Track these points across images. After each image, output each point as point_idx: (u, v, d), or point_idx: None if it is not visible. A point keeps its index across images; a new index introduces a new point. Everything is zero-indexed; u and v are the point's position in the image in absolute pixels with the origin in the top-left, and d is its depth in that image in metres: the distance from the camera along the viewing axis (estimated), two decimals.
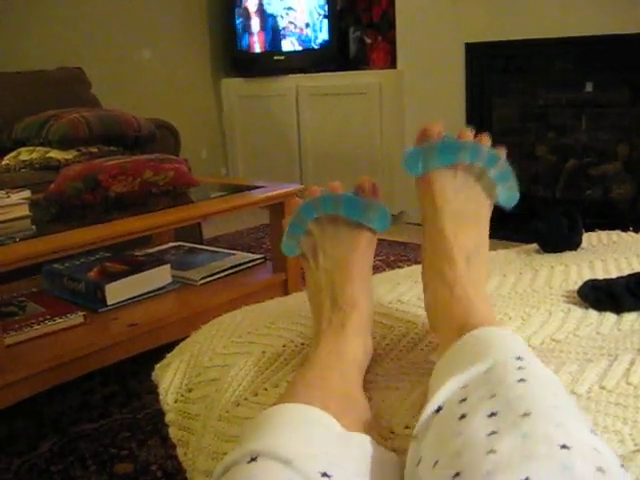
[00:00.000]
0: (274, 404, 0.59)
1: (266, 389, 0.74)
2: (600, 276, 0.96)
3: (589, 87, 3.00)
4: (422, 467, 0.49)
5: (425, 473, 0.48)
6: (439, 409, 0.53)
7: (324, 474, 0.48)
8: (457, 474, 0.43)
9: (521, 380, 0.51)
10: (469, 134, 0.78)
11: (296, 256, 0.81)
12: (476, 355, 0.57)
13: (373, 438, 0.57)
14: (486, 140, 0.78)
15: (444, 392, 0.54)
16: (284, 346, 0.81)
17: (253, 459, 0.49)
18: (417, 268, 1.10)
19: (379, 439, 0.60)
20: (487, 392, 0.51)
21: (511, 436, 0.45)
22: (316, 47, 3.80)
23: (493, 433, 0.46)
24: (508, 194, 0.78)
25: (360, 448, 0.55)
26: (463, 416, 0.49)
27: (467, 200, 0.76)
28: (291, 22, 3.84)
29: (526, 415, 0.46)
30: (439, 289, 0.71)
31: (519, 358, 0.55)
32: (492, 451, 0.44)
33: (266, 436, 0.52)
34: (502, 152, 0.78)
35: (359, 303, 0.73)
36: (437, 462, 0.47)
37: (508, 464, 0.42)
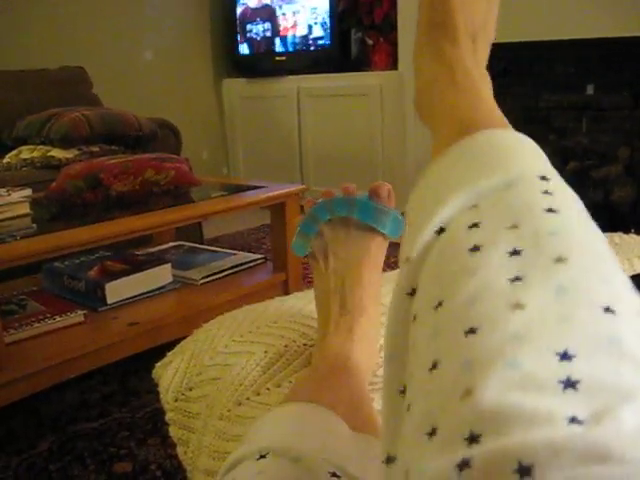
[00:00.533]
0: (280, 403, 0.58)
1: (268, 389, 0.74)
2: None
3: (590, 90, 2.99)
4: (419, 304, 0.38)
5: (424, 311, 0.37)
6: (441, 230, 0.40)
7: (333, 474, 0.47)
8: (471, 330, 0.33)
9: (551, 210, 0.38)
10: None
11: (305, 257, 0.81)
12: (488, 164, 0.43)
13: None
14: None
15: (448, 209, 0.40)
16: (286, 346, 0.81)
17: (262, 456, 0.48)
18: None
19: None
20: (507, 219, 0.38)
21: (542, 287, 0.33)
22: (318, 48, 3.80)
23: (517, 279, 0.34)
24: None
25: (369, 450, 0.54)
26: (476, 248, 0.37)
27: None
28: (293, 23, 3.84)
29: (561, 260, 0.35)
30: (436, 72, 0.55)
31: (544, 178, 0.41)
32: (519, 305, 0.33)
33: (275, 433, 0.52)
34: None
35: (368, 308, 0.72)
36: (441, 304, 0.36)
37: (541, 327, 0.32)
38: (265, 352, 0.80)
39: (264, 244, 3.31)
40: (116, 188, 1.83)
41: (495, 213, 0.39)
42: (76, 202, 1.82)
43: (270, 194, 2.02)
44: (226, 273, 2.05)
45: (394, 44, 3.49)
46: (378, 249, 0.77)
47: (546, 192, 0.40)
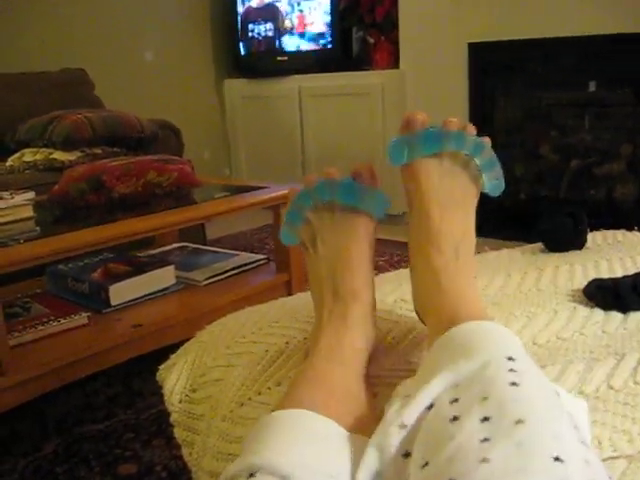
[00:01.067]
0: (276, 407, 0.58)
1: (269, 388, 0.74)
2: (605, 275, 0.96)
3: (592, 86, 2.99)
4: (411, 464, 0.48)
5: (414, 471, 0.47)
6: (431, 406, 0.52)
7: None
8: None
9: (513, 384, 0.50)
10: (454, 123, 0.77)
11: (296, 245, 0.80)
12: (467, 350, 0.55)
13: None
14: (471, 129, 0.77)
15: (435, 387, 0.53)
16: (287, 343, 0.81)
17: (252, 475, 0.48)
18: None
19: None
20: (479, 393, 0.50)
21: (505, 444, 0.43)
22: (319, 47, 3.80)
23: (486, 440, 0.44)
24: (494, 183, 0.77)
25: (358, 451, 0.54)
26: (455, 418, 0.48)
27: (453, 187, 0.75)
28: (294, 23, 3.84)
29: (520, 422, 0.45)
30: (427, 277, 0.70)
31: (511, 358, 0.53)
32: (485, 460, 0.42)
33: (265, 448, 0.52)
34: (487, 141, 0.77)
35: (360, 294, 0.72)
36: (427, 464, 0.46)
37: (501, 476, 0.41)
38: (266, 351, 0.80)
39: (267, 244, 3.31)
40: (119, 190, 1.84)
41: (470, 389, 0.50)
42: (79, 204, 1.82)
43: (272, 194, 2.02)
44: (229, 274, 2.05)
45: (395, 43, 3.48)
46: (366, 230, 0.76)
47: (511, 370, 0.51)
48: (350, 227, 0.75)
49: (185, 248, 2.32)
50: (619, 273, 0.98)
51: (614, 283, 0.88)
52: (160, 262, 2.00)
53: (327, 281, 0.74)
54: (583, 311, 0.85)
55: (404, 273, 1.07)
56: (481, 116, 3.19)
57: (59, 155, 2.51)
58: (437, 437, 0.48)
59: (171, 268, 1.96)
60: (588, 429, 0.56)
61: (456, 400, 0.50)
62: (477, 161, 0.76)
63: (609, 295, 0.86)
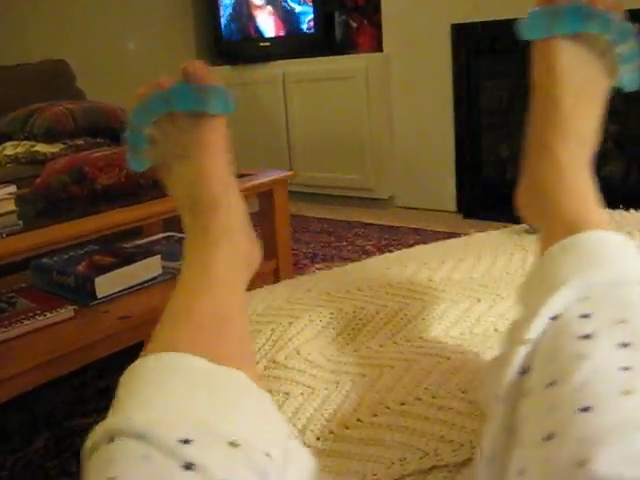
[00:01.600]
0: (141, 354, 0.53)
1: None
2: None
3: None
4: (532, 382, 0.45)
5: (537, 389, 0.44)
6: (554, 317, 0.47)
7: (185, 441, 0.43)
8: (586, 409, 0.39)
9: None
10: (603, 1, 0.66)
11: (150, 169, 0.72)
12: (596, 260, 0.50)
13: (245, 369, 0.52)
14: (619, 10, 0.67)
15: (561, 298, 0.47)
16: (272, 330, 0.80)
17: (111, 439, 0.45)
18: (406, 252, 1.09)
19: (251, 366, 0.56)
20: (616, 313, 0.45)
21: None
22: (302, 32, 3.78)
23: (627, 369, 0.40)
24: (632, 75, 0.70)
25: (230, 389, 0.50)
26: (587, 336, 0.44)
27: (589, 76, 0.67)
28: (276, 7, 3.81)
29: None
30: (546, 169, 0.62)
31: None
32: (628, 392, 0.39)
33: (122, 407, 0.48)
34: (634, 28, 0.67)
35: (221, 202, 0.66)
36: (555, 382, 0.42)
37: None
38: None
39: (254, 232, 3.29)
40: (101, 181, 1.82)
41: (605, 307, 0.46)
42: (62, 197, 1.80)
43: (258, 181, 2.01)
44: None
45: (378, 26, 3.47)
46: (215, 132, 0.70)
47: None
48: (197, 134, 0.69)
49: (171, 237, 2.30)
50: None
51: None
52: (146, 252, 1.99)
53: (186, 200, 0.67)
54: None
55: (390, 258, 1.06)
56: (466, 97, 3.18)
57: (41, 148, 2.48)
58: (566, 355, 0.44)
59: (157, 258, 1.94)
60: None
61: (587, 316, 0.46)
62: (619, 49, 0.67)
63: None
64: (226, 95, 0.71)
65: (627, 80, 0.70)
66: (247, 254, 0.66)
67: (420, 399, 0.60)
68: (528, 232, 1.13)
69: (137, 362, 0.52)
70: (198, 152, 0.68)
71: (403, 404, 0.61)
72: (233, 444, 0.44)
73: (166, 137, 0.69)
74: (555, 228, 0.57)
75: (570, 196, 0.59)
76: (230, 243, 0.64)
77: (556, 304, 0.47)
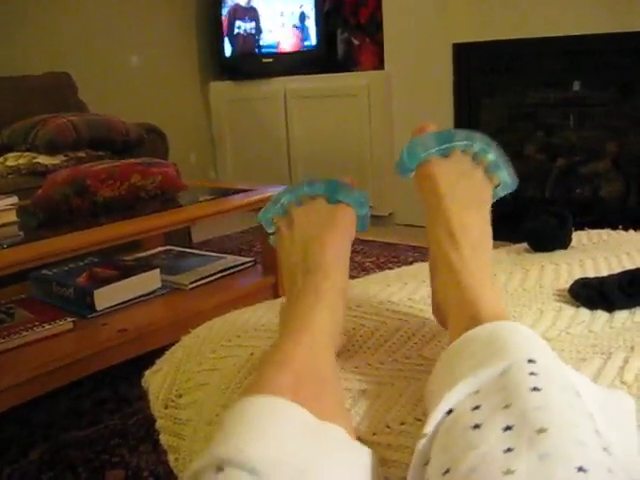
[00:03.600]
0: (244, 392, 0.56)
1: (257, 384, 0.73)
2: (591, 274, 0.96)
3: (577, 86, 3.00)
4: (431, 471, 0.48)
5: (434, 476, 0.47)
6: (450, 411, 0.52)
7: None
8: None
9: (535, 389, 0.49)
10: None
11: (271, 231, 0.83)
12: (488, 355, 0.55)
13: (344, 426, 0.56)
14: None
15: (455, 394, 0.53)
16: (279, 346, 0.80)
17: (220, 469, 0.47)
18: (406, 269, 1.10)
19: (349, 424, 0.59)
20: (501, 401, 0.49)
21: (528, 455, 0.43)
22: (304, 49, 3.80)
23: (509, 450, 0.44)
24: (507, 179, 0.78)
25: (332, 443, 0.53)
26: (477, 426, 0.48)
27: (469, 186, 0.75)
28: (278, 25, 3.83)
29: (542, 431, 0.45)
30: (446, 276, 0.70)
31: (531, 361, 0.53)
32: (509, 471, 0.43)
33: (232, 440, 0.50)
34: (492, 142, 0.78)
35: (331, 274, 0.71)
36: (448, 471, 0.46)
37: None
38: (251, 354, 0.80)
39: (253, 247, 3.30)
40: (103, 194, 1.82)
41: (492, 396, 0.50)
42: (63, 209, 1.81)
43: (258, 197, 2.02)
44: (215, 277, 2.04)
45: (380, 44, 3.49)
46: (344, 219, 0.78)
47: (532, 373, 0.51)
48: (328, 214, 0.78)
49: (171, 251, 2.31)
50: (604, 272, 0.98)
51: (600, 282, 0.88)
52: (145, 266, 1.99)
53: (301, 263, 0.74)
54: (569, 310, 0.85)
55: (390, 275, 1.07)
56: (466, 116, 3.20)
57: (42, 159, 2.49)
58: (458, 444, 0.48)
59: (156, 272, 1.94)
60: (634, 424, 0.55)
61: (477, 407, 0.50)
62: (489, 157, 0.77)
63: (595, 294, 0.86)
64: (365, 199, 0.81)
65: (504, 183, 0.79)
66: (339, 321, 0.71)
67: (420, 420, 0.61)
68: (528, 251, 1.13)
69: (245, 399, 0.55)
70: (323, 227, 0.76)
71: (403, 424, 0.61)
72: None
73: (301, 210, 0.80)
74: (456, 326, 0.64)
75: (465, 295, 0.65)
76: (332, 311, 0.69)
77: (451, 399, 0.52)
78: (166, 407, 0.82)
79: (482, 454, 0.45)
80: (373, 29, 3.57)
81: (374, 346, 0.77)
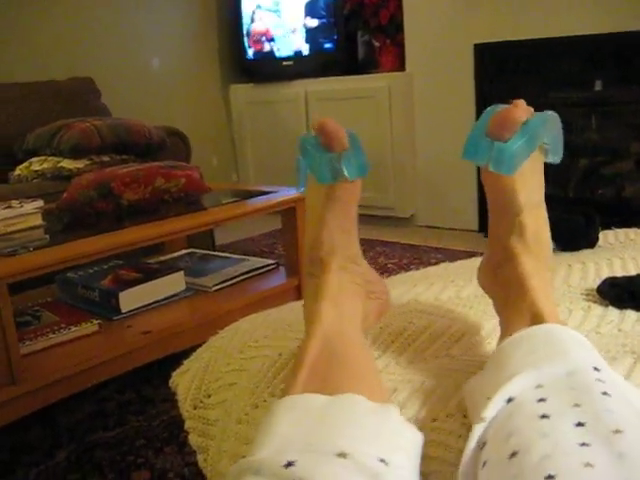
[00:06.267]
0: (286, 396, 0.57)
1: (283, 389, 0.74)
2: (619, 274, 0.95)
3: (598, 85, 2.98)
4: (491, 454, 0.49)
5: (496, 460, 0.48)
6: (509, 400, 0.52)
7: (288, 464, 0.47)
8: (550, 477, 0.43)
9: (605, 394, 0.50)
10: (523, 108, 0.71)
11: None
12: (552, 354, 0.56)
13: (366, 392, 0.57)
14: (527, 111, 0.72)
15: (516, 384, 0.53)
16: (299, 346, 0.81)
17: (290, 463, 0.48)
18: (432, 270, 1.09)
19: (375, 394, 0.59)
20: (571, 399, 0.50)
21: (606, 452, 0.44)
22: (324, 51, 3.80)
23: (585, 445, 0.45)
24: (558, 154, 0.75)
25: (344, 411, 0.54)
26: (545, 416, 0.49)
27: (539, 183, 0.74)
28: (299, 27, 3.84)
29: (618, 432, 0.46)
30: (512, 274, 0.69)
31: (596, 369, 0.54)
32: (589, 464, 0.43)
33: (297, 435, 0.51)
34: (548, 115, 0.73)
35: (330, 267, 0.71)
36: (515, 454, 0.46)
37: None
38: (280, 354, 0.80)
39: (276, 249, 3.31)
40: (127, 197, 1.84)
41: (560, 393, 0.51)
42: (88, 212, 1.82)
43: (280, 199, 2.02)
44: (239, 279, 2.05)
45: (401, 45, 3.48)
46: (347, 193, 0.76)
47: (599, 380, 0.52)
48: (330, 196, 0.75)
49: (194, 254, 2.32)
50: (633, 271, 0.97)
51: (628, 281, 0.88)
52: (170, 268, 2.00)
53: (307, 258, 0.75)
54: (598, 310, 0.84)
55: (416, 275, 1.06)
56: None
57: (67, 163, 2.51)
58: (526, 430, 0.48)
59: (181, 274, 1.95)
60: None
61: (543, 400, 0.51)
62: (546, 141, 0.73)
63: (624, 293, 0.85)
64: (360, 159, 0.76)
65: (555, 159, 0.75)
66: (356, 311, 0.70)
67: (451, 415, 0.61)
68: (555, 250, 1.13)
69: (290, 401, 0.56)
70: (330, 206, 0.74)
71: (435, 420, 0.61)
72: (341, 455, 0.48)
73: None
74: (515, 320, 0.64)
75: (531, 297, 0.65)
76: (336, 304, 0.68)
77: (512, 389, 0.53)
78: (195, 407, 0.83)
79: (554, 442, 0.46)
80: (393, 30, 3.57)
81: (402, 346, 0.77)
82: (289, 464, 0.46)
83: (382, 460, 0.48)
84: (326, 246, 0.72)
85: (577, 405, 0.49)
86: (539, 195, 0.74)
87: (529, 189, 0.71)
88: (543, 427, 0.47)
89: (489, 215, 0.74)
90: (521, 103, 0.70)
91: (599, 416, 0.48)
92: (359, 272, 0.73)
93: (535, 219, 0.71)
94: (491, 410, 0.52)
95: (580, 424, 0.47)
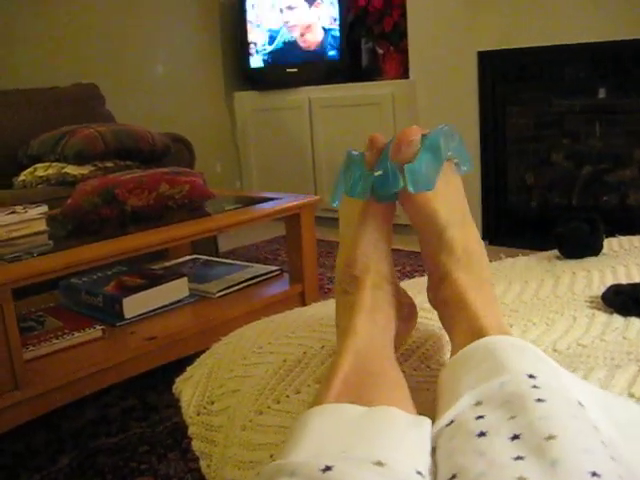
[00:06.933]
0: (317, 406, 0.57)
1: (288, 396, 0.74)
2: (623, 281, 0.95)
3: (602, 93, 2.98)
4: (438, 477, 0.49)
5: None
6: (450, 422, 0.53)
7: (326, 468, 0.47)
8: None
9: (539, 400, 0.50)
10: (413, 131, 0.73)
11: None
12: (487, 370, 0.56)
13: (399, 404, 0.57)
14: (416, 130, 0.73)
15: (457, 408, 0.53)
16: (304, 353, 0.81)
17: (328, 467, 0.48)
18: None
19: (407, 406, 0.59)
20: (506, 412, 0.50)
21: (540, 462, 0.44)
22: (328, 59, 3.81)
23: (519, 458, 0.45)
24: (467, 164, 0.76)
25: (378, 422, 0.54)
26: (482, 434, 0.49)
27: (457, 198, 0.74)
28: (303, 34, 3.85)
29: (551, 438, 0.45)
30: (449, 292, 0.70)
31: (531, 376, 0.54)
32: (522, 478, 0.43)
33: (333, 441, 0.51)
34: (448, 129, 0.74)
35: (364, 284, 0.71)
36: (455, 476, 0.46)
37: None
38: (284, 361, 0.80)
39: (279, 256, 3.31)
40: (131, 203, 1.84)
41: (495, 408, 0.51)
42: (92, 218, 1.82)
43: (284, 205, 2.02)
44: (242, 286, 2.05)
45: (404, 52, 3.49)
46: (375, 212, 0.75)
47: (534, 386, 0.52)
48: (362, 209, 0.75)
49: (198, 260, 2.32)
50: (637, 279, 0.97)
51: (633, 288, 0.87)
52: (173, 274, 2.00)
53: (339, 275, 0.75)
54: (602, 317, 0.84)
55: (421, 282, 1.06)
56: (492, 124, 3.19)
57: (71, 169, 2.52)
58: (464, 450, 0.48)
59: (184, 280, 1.96)
60: None
61: (481, 417, 0.51)
62: (456, 152, 0.74)
63: (628, 300, 0.85)
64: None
65: (466, 169, 0.76)
66: (389, 329, 0.70)
67: None
68: (559, 258, 1.13)
69: (300, 416, 0.56)
70: (364, 223, 0.74)
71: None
72: (379, 464, 0.47)
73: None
74: (459, 337, 0.65)
75: (470, 312, 0.65)
76: (370, 321, 0.68)
77: (451, 414, 0.53)
78: (198, 414, 0.82)
79: (490, 460, 0.45)
80: (397, 38, 3.57)
81: (407, 353, 0.77)
82: (327, 468, 0.46)
83: (419, 472, 0.49)
84: (360, 264, 0.72)
85: (512, 417, 0.49)
86: (462, 210, 0.74)
87: (449, 206, 0.72)
88: (480, 445, 0.48)
89: (418, 236, 0.75)
90: (410, 127, 0.72)
91: (532, 425, 0.47)
92: (392, 291, 0.73)
93: (462, 234, 0.72)
94: (433, 437, 0.53)
95: (515, 437, 0.47)
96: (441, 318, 0.73)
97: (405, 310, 0.76)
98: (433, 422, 0.55)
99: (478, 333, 0.62)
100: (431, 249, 0.73)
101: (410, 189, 0.69)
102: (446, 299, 0.70)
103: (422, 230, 0.74)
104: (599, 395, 0.58)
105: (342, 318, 0.70)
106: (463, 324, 0.65)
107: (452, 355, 0.64)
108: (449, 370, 0.61)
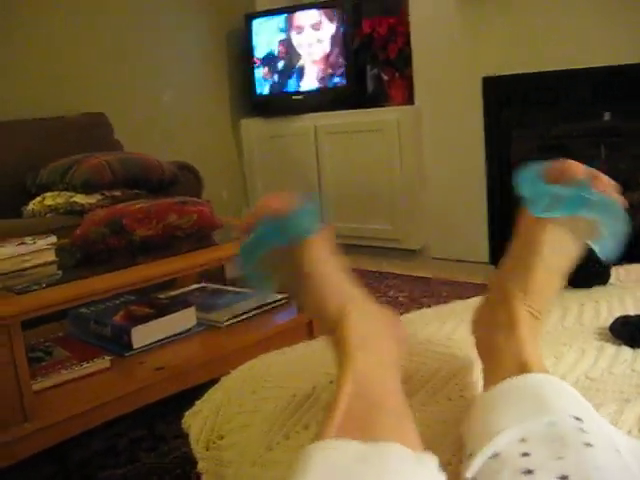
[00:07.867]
0: (321, 441, 0.57)
1: (297, 431, 0.74)
2: (632, 312, 0.95)
3: (607, 116, 2.99)
4: None
5: None
6: (494, 455, 0.53)
7: None
8: None
9: (587, 445, 0.51)
10: (605, 182, 0.71)
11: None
12: (536, 406, 0.56)
13: (401, 439, 0.56)
14: (617, 190, 0.72)
15: (502, 440, 0.53)
16: (314, 387, 0.81)
17: None
18: (444, 308, 1.10)
19: (411, 440, 0.59)
20: (553, 452, 0.51)
21: None
22: (334, 85, 3.84)
23: None
24: (611, 246, 0.73)
25: (380, 457, 0.54)
26: (529, 471, 0.49)
27: (566, 253, 0.73)
28: (308, 62, 3.88)
29: None
30: (505, 338, 0.69)
31: (578, 419, 0.54)
32: None
33: None
34: (620, 204, 0.72)
35: (342, 318, 0.70)
36: None
37: None
38: (293, 395, 0.80)
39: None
40: (139, 233, 1.85)
41: (543, 446, 0.51)
42: (100, 248, 1.83)
43: None
44: (250, 314, 2.05)
45: (410, 79, 3.51)
46: (315, 249, 0.75)
47: (581, 430, 0.52)
48: (297, 261, 0.75)
49: (205, 289, 2.32)
50: None
51: None
52: (181, 304, 2.00)
53: (317, 318, 0.76)
54: (611, 349, 0.84)
55: (428, 313, 1.07)
56: (497, 148, 3.20)
57: (79, 198, 2.53)
58: None
59: (192, 310, 1.96)
60: None
61: (527, 454, 0.51)
62: (603, 228, 0.71)
63: (636, 332, 0.85)
64: (309, 215, 0.74)
65: (604, 249, 0.73)
66: (387, 352, 0.70)
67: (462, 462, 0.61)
68: (566, 287, 1.13)
69: (302, 452, 0.56)
70: (306, 276, 0.73)
71: (450, 464, 0.61)
72: None
73: (276, 269, 0.76)
74: (500, 367, 0.64)
75: (519, 345, 0.65)
76: (364, 350, 0.67)
77: (497, 445, 0.53)
78: (207, 449, 0.82)
79: None
80: (402, 64, 3.60)
81: (415, 387, 0.77)
82: None
83: None
84: (331, 302, 0.72)
85: (560, 458, 0.50)
86: (562, 264, 0.74)
87: (557, 249, 0.71)
88: None
89: (507, 254, 0.74)
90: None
91: (581, 468, 0.48)
92: (375, 310, 0.73)
93: (548, 277, 0.71)
94: (474, 469, 0.53)
95: (563, 477, 0.48)
96: (480, 340, 0.73)
97: (390, 325, 0.75)
98: (450, 453, 0.55)
99: (524, 368, 0.62)
100: (509, 269, 0.73)
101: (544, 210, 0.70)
102: (497, 323, 0.70)
103: (518, 249, 0.74)
104: (632, 443, 0.58)
105: (337, 354, 0.70)
106: (508, 355, 0.65)
107: (486, 381, 0.64)
108: (486, 400, 0.61)
